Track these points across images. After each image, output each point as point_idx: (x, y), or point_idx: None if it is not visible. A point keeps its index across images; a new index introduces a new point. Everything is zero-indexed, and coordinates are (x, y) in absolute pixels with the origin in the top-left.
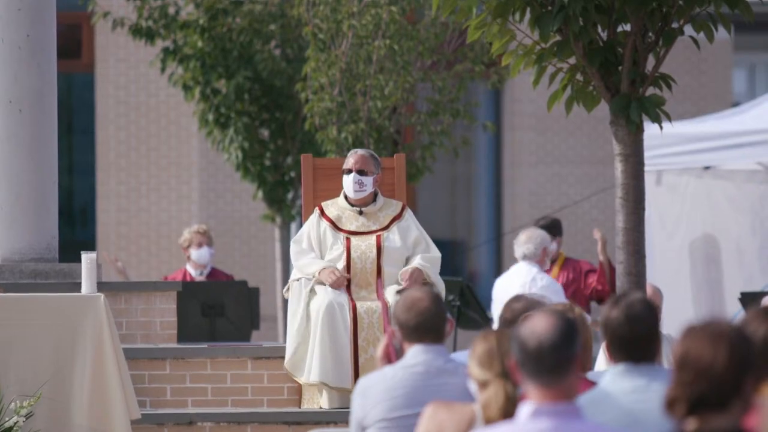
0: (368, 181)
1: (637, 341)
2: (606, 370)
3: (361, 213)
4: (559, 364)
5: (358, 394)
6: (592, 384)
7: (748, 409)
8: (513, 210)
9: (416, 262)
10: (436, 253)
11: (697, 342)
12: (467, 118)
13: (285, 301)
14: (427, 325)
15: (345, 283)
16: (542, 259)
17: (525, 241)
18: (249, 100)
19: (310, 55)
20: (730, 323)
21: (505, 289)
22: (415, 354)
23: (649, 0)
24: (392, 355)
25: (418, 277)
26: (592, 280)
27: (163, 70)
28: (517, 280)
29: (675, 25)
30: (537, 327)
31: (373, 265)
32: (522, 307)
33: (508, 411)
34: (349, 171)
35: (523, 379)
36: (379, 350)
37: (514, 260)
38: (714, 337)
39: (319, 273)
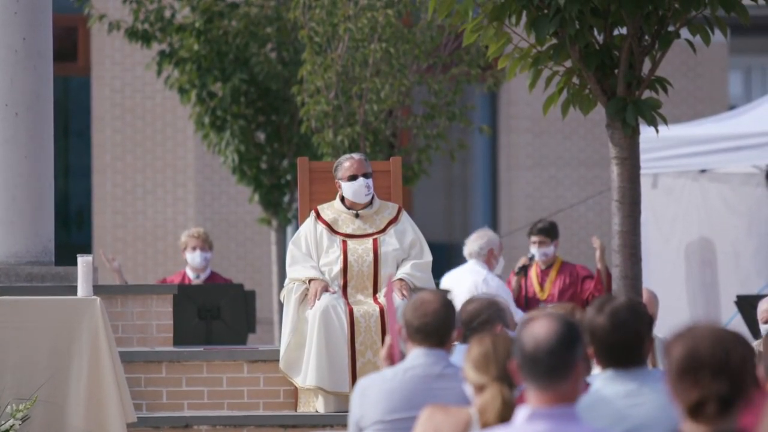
0: (371, 183)
1: (624, 348)
2: (595, 375)
3: (357, 216)
4: (555, 367)
5: (357, 394)
6: (585, 387)
7: (749, 406)
8: (509, 213)
9: (402, 272)
10: (427, 258)
11: (703, 341)
12: (463, 122)
13: (281, 305)
14: (430, 327)
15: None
16: (489, 260)
17: (473, 239)
18: (245, 103)
19: (306, 58)
20: (719, 322)
21: (454, 285)
22: (416, 357)
23: (645, 3)
24: (396, 356)
25: (402, 287)
26: (589, 285)
27: (159, 73)
28: (468, 279)
29: (671, 28)
30: (536, 330)
31: (370, 269)
32: (476, 308)
33: (505, 415)
34: (354, 177)
35: (523, 381)
36: (384, 350)
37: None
38: (719, 335)
39: (310, 282)
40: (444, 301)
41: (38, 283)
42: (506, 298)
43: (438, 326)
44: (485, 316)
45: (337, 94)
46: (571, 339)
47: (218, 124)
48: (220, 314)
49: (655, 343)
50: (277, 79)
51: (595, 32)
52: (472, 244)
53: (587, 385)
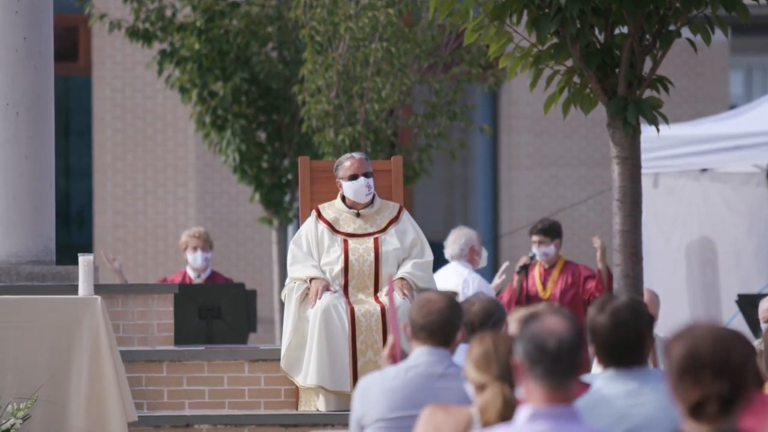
0: (372, 182)
1: (625, 347)
2: (596, 375)
3: (358, 215)
4: (574, 365)
5: (358, 392)
6: (586, 387)
7: (750, 406)
8: (510, 213)
9: (403, 271)
10: (428, 257)
11: (703, 341)
12: (464, 121)
13: (282, 304)
14: (435, 326)
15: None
16: (471, 258)
17: (452, 241)
18: (246, 103)
19: (307, 57)
20: (720, 322)
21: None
22: (419, 355)
23: (646, 2)
24: (398, 355)
25: (403, 287)
26: (591, 286)
27: (160, 72)
28: (452, 282)
29: (672, 27)
30: (556, 327)
31: (371, 269)
32: (486, 307)
33: (506, 414)
34: (355, 176)
35: (529, 379)
36: (386, 350)
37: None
38: (720, 334)
39: (311, 282)
40: (450, 301)
41: (39, 283)
42: (488, 293)
43: (443, 325)
44: (498, 315)
45: (338, 94)
46: (581, 338)
47: (219, 124)
48: (221, 313)
49: (656, 343)
50: (278, 78)
51: (596, 31)
52: (452, 246)
53: (583, 385)
